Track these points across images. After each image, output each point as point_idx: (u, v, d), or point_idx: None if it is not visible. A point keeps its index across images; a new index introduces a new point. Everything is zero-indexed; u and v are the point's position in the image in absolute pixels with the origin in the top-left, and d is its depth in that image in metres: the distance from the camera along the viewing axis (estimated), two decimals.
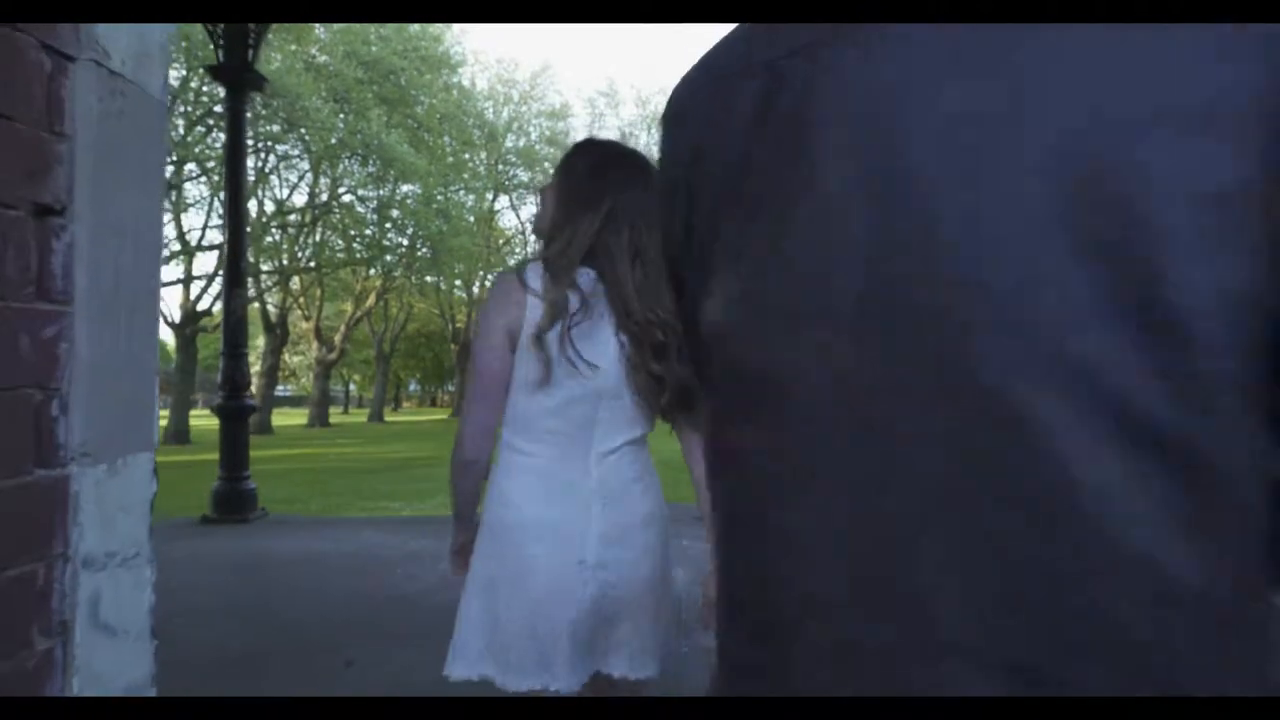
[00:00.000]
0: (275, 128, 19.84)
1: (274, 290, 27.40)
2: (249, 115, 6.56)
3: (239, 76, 5.77)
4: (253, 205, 23.88)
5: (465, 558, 1.51)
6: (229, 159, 5.83)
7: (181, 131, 19.18)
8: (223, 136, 20.93)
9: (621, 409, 1.40)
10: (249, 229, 22.06)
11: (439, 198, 22.74)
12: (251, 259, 24.80)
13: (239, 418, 5.91)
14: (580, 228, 1.34)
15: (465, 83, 33.61)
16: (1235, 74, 0.33)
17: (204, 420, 38.35)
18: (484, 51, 43.55)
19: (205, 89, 18.89)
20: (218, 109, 19.52)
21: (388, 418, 38.41)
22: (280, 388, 60.26)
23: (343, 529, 5.60)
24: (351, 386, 60.13)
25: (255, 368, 32.56)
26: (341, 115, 18.89)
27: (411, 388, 67.69)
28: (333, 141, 19.08)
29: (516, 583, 1.34)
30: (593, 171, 1.41)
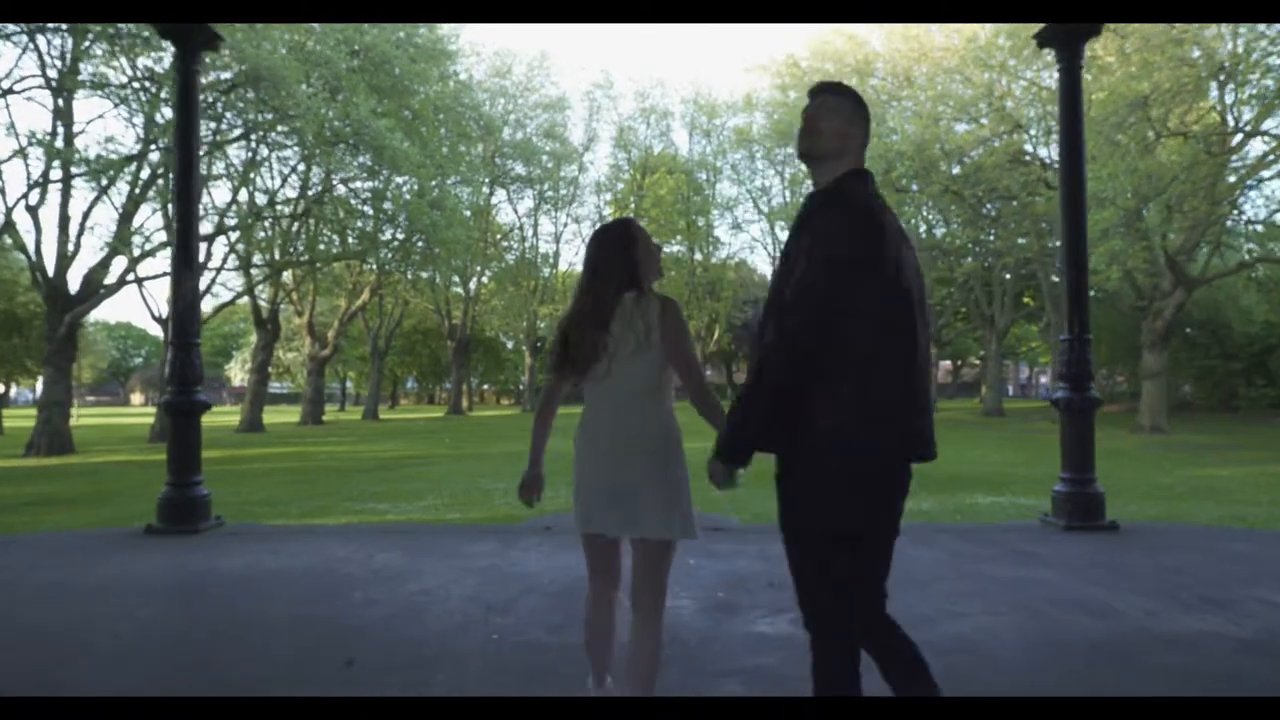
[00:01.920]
0: (268, 116, 19.20)
1: (265, 284, 26.81)
2: (202, 79, 5.88)
3: (188, 33, 5.12)
4: (243, 196, 23.30)
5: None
6: (179, 124, 5.19)
7: (171, 114, 18.49)
8: (212, 125, 20.50)
9: None
10: (237, 219, 21.64)
11: (434, 190, 22.09)
12: (242, 252, 24.20)
13: (189, 416, 5.26)
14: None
15: (462, 75, 32.92)
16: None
17: None
18: (481, 44, 42.80)
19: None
20: (207, 95, 18.91)
21: (383, 415, 37.75)
22: (276, 385, 59.68)
23: (304, 540, 4.95)
24: (348, 384, 59.45)
25: (246, 364, 31.97)
26: (331, 102, 18.22)
27: (409, 385, 67.04)
28: (324, 131, 18.41)
29: None
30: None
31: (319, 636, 3.23)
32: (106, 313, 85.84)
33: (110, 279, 18.76)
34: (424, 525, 6.24)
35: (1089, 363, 5.33)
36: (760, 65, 34.73)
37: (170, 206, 21.29)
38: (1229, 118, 18.50)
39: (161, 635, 3.29)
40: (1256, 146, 19.07)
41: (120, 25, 14.91)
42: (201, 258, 23.13)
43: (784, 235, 41.57)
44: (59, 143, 16.75)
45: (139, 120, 18.06)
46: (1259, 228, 21.43)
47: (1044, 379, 64.97)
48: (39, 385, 22.72)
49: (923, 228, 31.00)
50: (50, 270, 17.72)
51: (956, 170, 24.61)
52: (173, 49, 5.22)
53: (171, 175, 18.16)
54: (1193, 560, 4.49)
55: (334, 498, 9.77)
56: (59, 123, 17.37)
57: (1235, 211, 20.66)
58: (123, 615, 3.47)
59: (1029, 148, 24.12)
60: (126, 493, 10.06)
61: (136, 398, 71.11)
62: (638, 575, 2.26)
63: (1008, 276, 29.45)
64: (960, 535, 5.20)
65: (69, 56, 16.83)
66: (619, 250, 2.30)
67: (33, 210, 17.20)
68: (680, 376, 2.30)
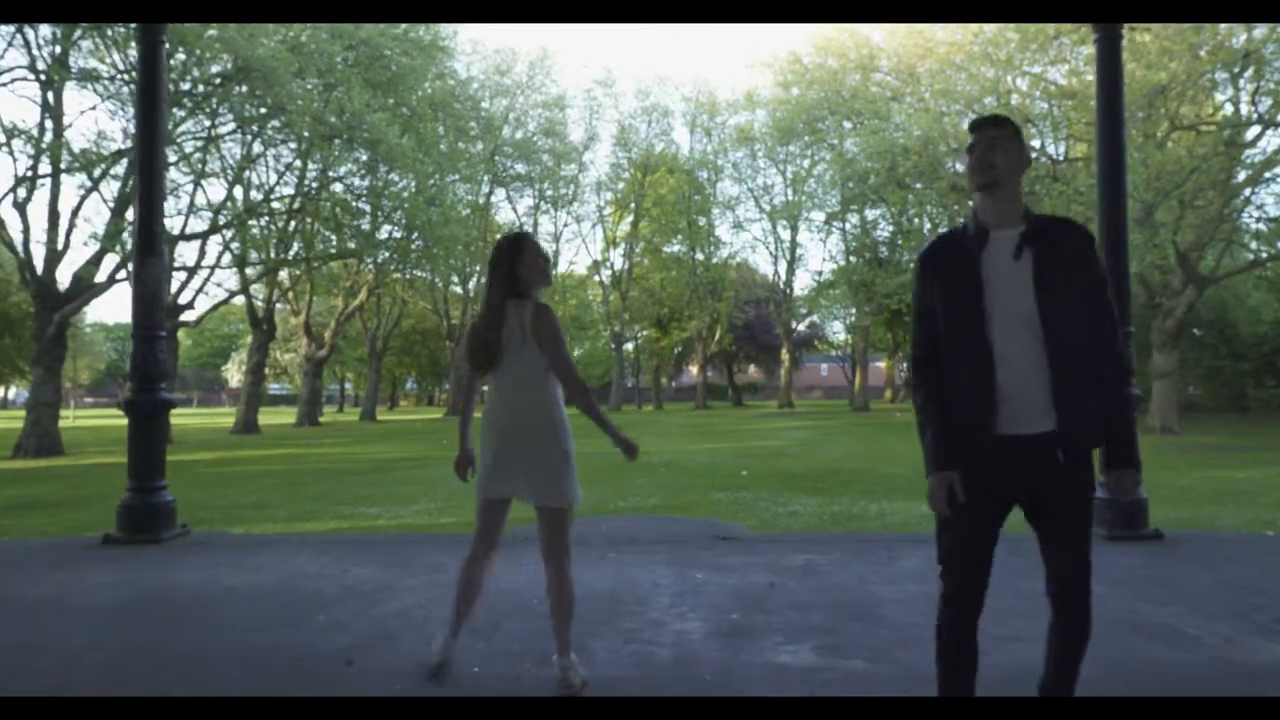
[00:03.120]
0: (261, 110, 18.81)
1: (261, 283, 26.39)
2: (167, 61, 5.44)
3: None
4: (238, 193, 22.89)
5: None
6: (141, 92, 4.77)
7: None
8: (206, 121, 20.11)
9: None
10: (231, 215, 21.24)
11: (431, 187, 21.69)
12: (237, 250, 23.80)
13: (153, 415, 4.83)
14: None
15: (461, 72, 32.54)
16: None
17: (187, 419, 37.34)
18: (481, 41, 42.40)
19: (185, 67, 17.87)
20: (200, 88, 18.54)
21: (381, 417, 37.34)
22: (275, 386, 59.26)
23: (274, 552, 4.51)
24: (347, 385, 59.03)
25: (243, 364, 31.56)
26: (326, 96, 17.82)
27: (409, 386, 66.62)
28: (319, 125, 18.01)
29: None
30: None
31: (263, 672, 2.78)
32: (104, 313, 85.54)
33: (100, 277, 18.34)
34: (407, 535, 5.80)
35: (1131, 357, 4.89)
36: (763, 62, 34.39)
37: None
38: (1246, 109, 18.07)
39: (85, 670, 2.84)
40: (1272, 142, 18.68)
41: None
42: (195, 256, 22.83)
43: (786, 234, 41.13)
44: (47, 138, 16.33)
45: (129, 111, 17.61)
46: (1264, 227, 21.01)
47: None
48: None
49: (926, 225, 30.59)
50: (39, 268, 17.30)
51: (955, 167, 24.18)
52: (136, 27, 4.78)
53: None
54: (1255, 574, 4.06)
55: (324, 501, 9.38)
56: (47, 116, 16.97)
57: (1251, 206, 20.22)
58: (46, 645, 3.03)
59: (1035, 143, 23.70)
60: (110, 496, 9.61)
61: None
62: (543, 536, 2.73)
63: None
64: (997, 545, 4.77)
65: (57, 48, 16.42)
66: (505, 263, 2.74)
67: (20, 207, 16.79)
68: (556, 376, 2.69)
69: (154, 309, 4.80)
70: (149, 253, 4.78)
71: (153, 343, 4.80)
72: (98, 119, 70.96)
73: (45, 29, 16.08)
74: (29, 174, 16.55)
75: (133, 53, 17.15)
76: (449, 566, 4.23)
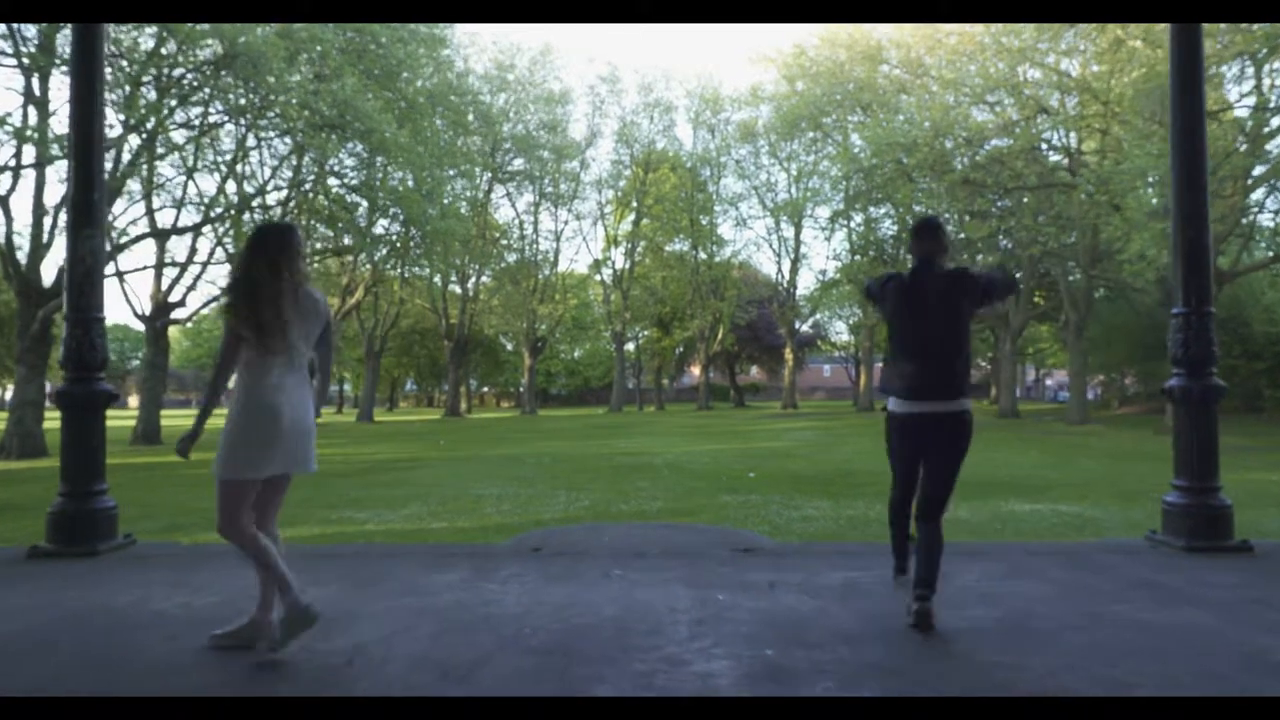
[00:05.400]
0: (254, 100, 18.19)
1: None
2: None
3: None
4: (230, 188, 22.26)
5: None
6: (75, 50, 4.16)
7: (154, 96, 17.51)
8: (196, 109, 19.49)
9: None
10: (223, 208, 20.61)
11: (428, 180, 21.06)
12: (230, 246, 23.17)
13: (89, 409, 4.20)
14: None
15: (460, 63, 31.89)
16: None
17: (183, 420, 36.67)
18: (480, 34, 41.53)
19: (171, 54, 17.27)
20: (188, 76, 17.93)
21: (380, 418, 36.68)
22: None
23: (223, 566, 3.86)
24: (345, 386, 58.35)
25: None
26: (318, 84, 17.21)
27: (408, 387, 65.93)
28: (310, 115, 17.38)
29: None
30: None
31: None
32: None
33: None
34: (381, 546, 5.15)
35: (1211, 342, 4.28)
36: (767, 57, 33.71)
37: (151, 196, 20.44)
38: (1276, 98, 17.42)
39: None
40: None
41: None
42: (186, 252, 22.20)
43: (789, 232, 40.54)
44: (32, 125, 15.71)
45: (116, 95, 16.98)
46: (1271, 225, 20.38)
47: (1050, 381, 63.85)
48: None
49: None
50: (23, 262, 16.70)
51: (965, 161, 23.52)
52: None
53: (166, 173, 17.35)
54: None
55: (309, 505, 8.77)
56: (30, 106, 16.36)
57: (1275, 195, 19.56)
58: None
59: (1050, 135, 23.06)
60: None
61: (134, 400, 70.18)
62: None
63: (1019, 274, 28.32)
64: (1057, 560, 4.13)
65: (41, 33, 15.80)
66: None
67: (3, 200, 16.19)
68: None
69: (91, 288, 4.17)
70: (85, 224, 4.15)
71: (89, 326, 4.16)
72: None
73: None
74: (12, 164, 15.96)
75: (124, 36, 16.60)
76: (425, 586, 3.60)
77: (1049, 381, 63.90)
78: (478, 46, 36.89)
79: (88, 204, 4.19)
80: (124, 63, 16.79)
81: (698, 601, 3.31)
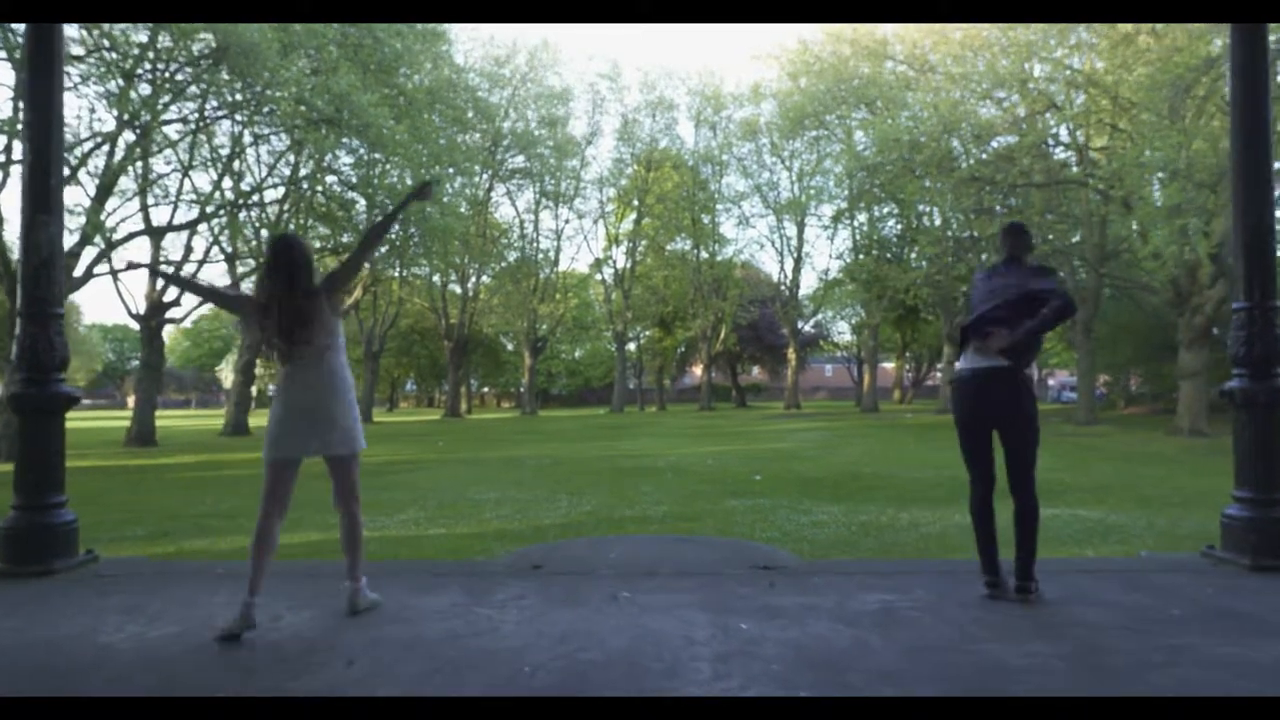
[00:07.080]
0: (248, 95, 17.82)
1: (251, 279, 25.39)
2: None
3: None
4: (226, 185, 21.87)
5: None
6: (31, 27, 3.79)
7: (148, 90, 17.13)
8: (189, 105, 19.12)
9: None
10: (219, 204, 20.23)
11: (424, 174, 20.69)
12: (228, 246, 22.80)
13: (46, 412, 3.83)
14: None
15: (460, 58, 31.51)
16: None
17: (180, 421, 36.36)
18: (478, 28, 41.01)
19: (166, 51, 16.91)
20: (184, 70, 17.56)
21: (379, 418, 36.31)
22: (272, 387, 58.35)
23: (188, 588, 3.48)
24: None
25: (234, 364, 30.55)
26: (312, 78, 16.84)
27: (409, 387, 65.55)
28: (306, 109, 17.01)
29: None
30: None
31: None
32: (102, 314, 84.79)
33: (78, 271, 17.36)
34: (367, 563, 4.77)
35: (1278, 339, 3.89)
36: (770, 54, 33.33)
37: (146, 192, 20.06)
38: None
39: None
40: None
41: None
42: (182, 250, 21.81)
43: (792, 231, 40.07)
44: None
45: (110, 85, 16.60)
46: None
47: (1052, 381, 63.38)
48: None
49: (937, 220, 29.52)
50: (12, 260, 16.34)
51: (971, 159, 23.13)
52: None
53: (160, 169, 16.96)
54: None
55: (305, 509, 8.37)
56: (21, 101, 16.00)
57: None
58: None
59: (1058, 131, 22.67)
60: (71, 503, 8.74)
61: (133, 400, 69.97)
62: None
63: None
64: (1111, 580, 3.74)
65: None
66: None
67: None
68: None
69: (48, 279, 3.79)
70: (41, 209, 3.78)
71: (47, 323, 3.78)
72: (79, 104, 69.88)
73: None
74: (1, 160, 15.58)
75: (115, 28, 16.22)
76: (412, 611, 3.22)
77: (1051, 381, 63.45)
78: (477, 41, 36.44)
79: (45, 189, 3.82)
80: (114, 55, 16.42)
81: (719, 631, 2.93)
